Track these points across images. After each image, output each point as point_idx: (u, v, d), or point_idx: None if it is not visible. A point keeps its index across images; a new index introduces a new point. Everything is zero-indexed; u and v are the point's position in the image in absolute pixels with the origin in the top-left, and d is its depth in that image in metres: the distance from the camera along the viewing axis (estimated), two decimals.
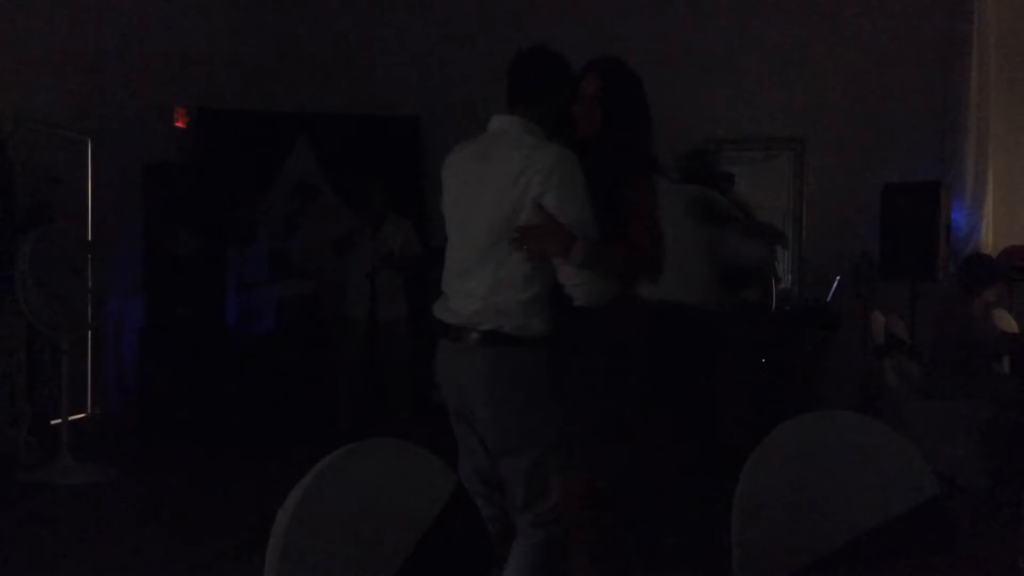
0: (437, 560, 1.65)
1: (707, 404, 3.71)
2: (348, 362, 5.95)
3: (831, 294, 6.73)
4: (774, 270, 4.03)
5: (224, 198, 7.02)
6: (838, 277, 6.75)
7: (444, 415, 2.86)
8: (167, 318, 6.77)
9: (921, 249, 6.01)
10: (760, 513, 1.80)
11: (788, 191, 7.44)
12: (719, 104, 7.32)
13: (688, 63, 7.18)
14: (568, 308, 2.60)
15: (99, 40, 6.57)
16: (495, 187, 2.57)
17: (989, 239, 6.99)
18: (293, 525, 1.48)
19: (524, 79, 2.66)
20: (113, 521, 4.62)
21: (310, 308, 7.34)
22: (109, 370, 6.89)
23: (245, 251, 7.37)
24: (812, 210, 7.37)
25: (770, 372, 3.79)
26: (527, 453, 2.60)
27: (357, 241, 5.84)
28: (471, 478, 2.70)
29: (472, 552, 1.74)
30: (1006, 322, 5.55)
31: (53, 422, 5.66)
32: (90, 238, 6.52)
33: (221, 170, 7.08)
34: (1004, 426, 4.55)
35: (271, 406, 6.67)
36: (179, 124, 7.31)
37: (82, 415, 6.39)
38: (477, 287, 2.60)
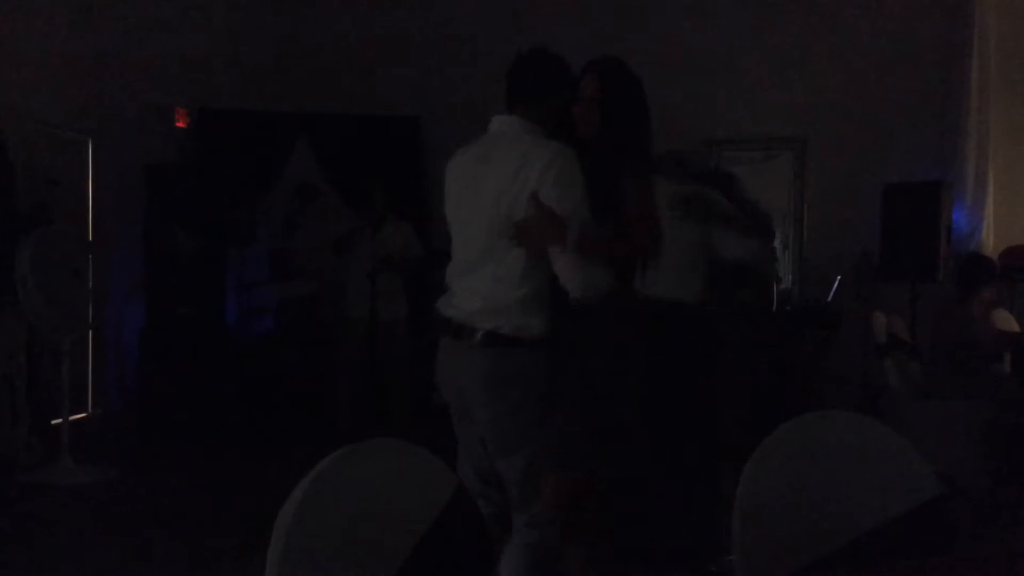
0: (437, 560, 1.65)
1: (706, 404, 3.71)
2: (348, 362, 5.95)
3: (832, 294, 6.73)
4: (774, 270, 4.01)
5: (224, 198, 7.03)
6: (839, 277, 6.74)
7: (444, 415, 2.86)
8: (167, 319, 6.77)
9: (922, 249, 6.01)
10: (760, 513, 1.80)
11: (788, 191, 7.44)
12: (719, 104, 7.32)
13: (688, 63, 7.18)
14: (567, 309, 2.61)
15: (99, 40, 6.58)
16: (495, 185, 2.59)
17: (990, 239, 6.99)
18: (294, 525, 1.48)
19: (523, 81, 2.68)
20: (113, 521, 4.62)
21: (310, 308, 7.34)
22: (109, 370, 6.89)
23: (245, 251, 7.37)
24: (813, 210, 7.37)
25: (770, 372, 3.78)
26: (524, 453, 2.61)
27: (357, 241, 5.85)
28: (471, 477, 2.71)
29: (472, 552, 1.74)
30: (1006, 322, 5.55)
31: (54, 422, 5.66)
32: (90, 239, 6.53)
33: (221, 170, 7.08)
34: (1004, 427, 4.55)
35: (271, 406, 6.67)
36: (179, 124, 7.31)
37: (82, 415, 6.39)
38: (478, 285, 2.63)
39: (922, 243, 6.01)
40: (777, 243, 5.82)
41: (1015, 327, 5.57)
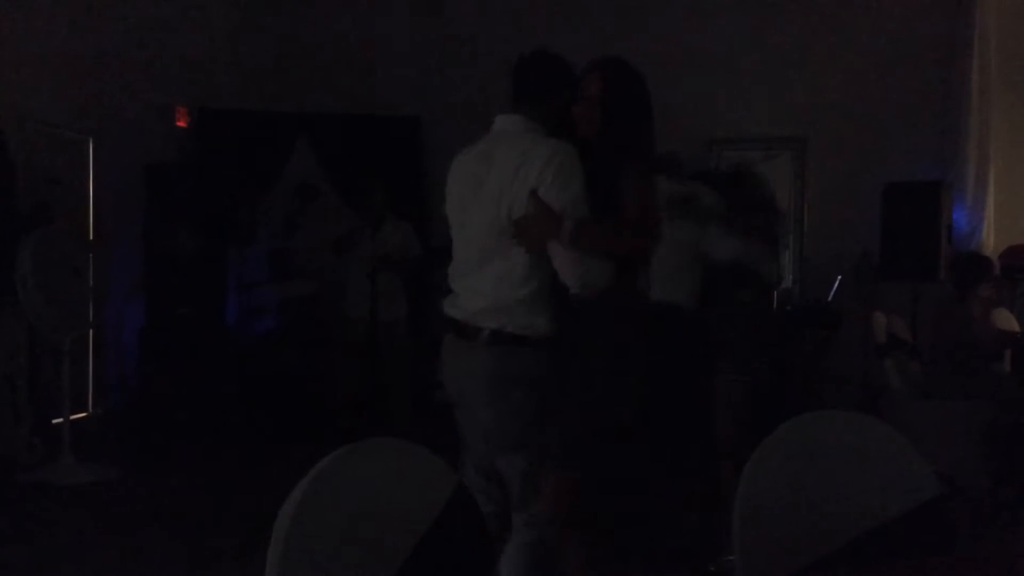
0: (437, 560, 1.65)
1: (705, 405, 3.71)
2: (348, 362, 5.95)
3: (832, 294, 6.73)
4: (774, 271, 3.99)
5: (224, 198, 7.03)
6: (839, 277, 6.75)
7: (444, 415, 2.87)
8: (168, 318, 6.77)
9: (922, 249, 6.01)
10: (760, 513, 1.80)
11: (788, 191, 7.43)
12: (719, 104, 7.33)
13: (688, 63, 7.18)
14: (568, 308, 2.61)
15: (100, 40, 6.58)
16: (496, 184, 2.60)
17: (990, 239, 6.99)
18: (294, 525, 1.48)
19: (526, 81, 2.70)
20: (113, 521, 4.62)
21: (310, 308, 7.34)
22: (110, 370, 6.89)
23: (245, 251, 7.38)
24: (813, 210, 7.37)
25: (770, 372, 3.78)
26: (525, 452, 2.61)
27: (357, 241, 5.85)
28: (472, 475, 2.72)
29: (472, 552, 1.74)
30: (1007, 321, 5.55)
31: (54, 422, 5.67)
32: (91, 238, 6.53)
33: (221, 170, 7.08)
34: (1005, 427, 4.55)
35: (271, 406, 6.67)
36: (180, 124, 7.32)
37: (83, 415, 6.40)
38: (481, 285, 2.64)
39: (922, 243, 6.02)
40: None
41: (1015, 326, 5.57)
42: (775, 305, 5.19)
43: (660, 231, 2.69)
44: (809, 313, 6.76)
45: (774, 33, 7.34)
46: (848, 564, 1.78)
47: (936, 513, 1.82)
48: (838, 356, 6.60)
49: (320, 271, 7.16)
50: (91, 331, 6.22)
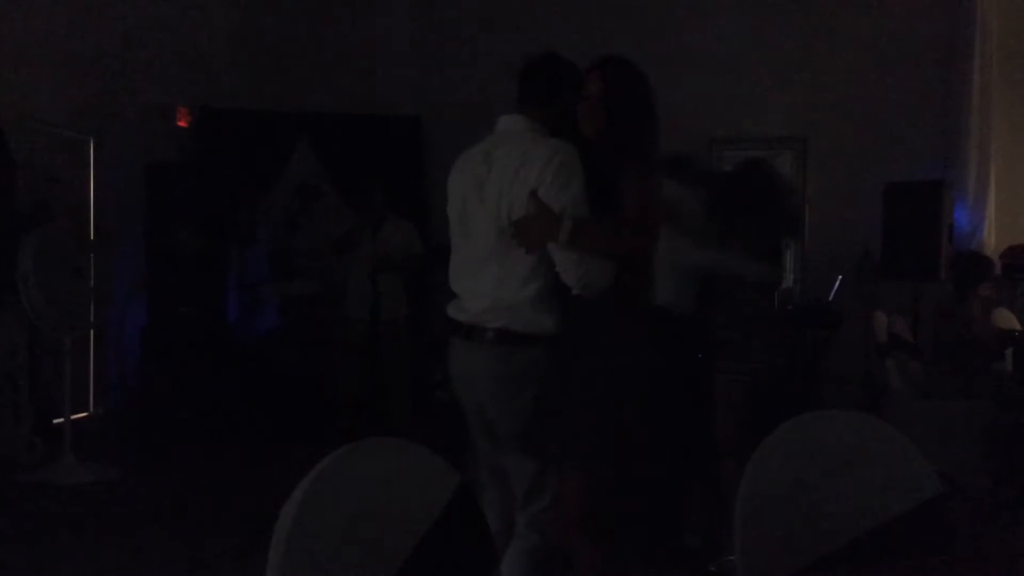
0: (438, 560, 1.65)
1: (705, 406, 3.71)
2: (349, 362, 5.95)
3: (833, 294, 6.72)
4: (775, 272, 3.96)
5: (225, 198, 7.03)
6: (840, 277, 6.73)
7: (444, 415, 2.87)
8: (169, 318, 6.77)
9: (923, 248, 6.00)
10: (761, 513, 1.80)
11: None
12: (719, 104, 7.32)
13: (688, 63, 7.17)
14: (572, 307, 2.61)
15: (100, 40, 6.58)
16: (497, 184, 2.60)
17: (991, 238, 6.99)
18: (295, 525, 1.48)
19: (533, 83, 2.71)
20: (113, 521, 4.62)
21: (311, 308, 7.34)
22: (111, 369, 6.90)
23: (246, 251, 7.38)
24: (814, 210, 7.36)
25: (770, 373, 3.77)
26: (532, 451, 2.62)
27: (357, 241, 5.84)
28: (482, 472, 2.73)
29: (473, 552, 1.74)
30: (1007, 320, 5.55)
31: (55, 421, 5.67)
32: (92, 238, 6.53)
33: (222, 170, 7.08)
34: (1005, 427, 4.55)
35: (271, 406, 6.67)
36: (181, 124, 7.32)
37: (84, 414, 6.40)
38: (484, 285, 2.64)
39: (923, 242, 6.00)
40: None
41: (1016, 326, 5.57)
42: (776, 305, 5.17)
43: (659, 231, 2.69)
44: (810, 313, 6.75)
45: (774, 33, 7.33)
46: (848, 564, 1.78)
47: (936, 513, 1.82)
48: (839, 356, 6.59)
49: (321, 271, 7.16)
50: (92, 331, 6.22)
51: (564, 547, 2.67)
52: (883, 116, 7.13)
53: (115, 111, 6.70)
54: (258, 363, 7.03)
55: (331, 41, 7.79)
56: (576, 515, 2.61)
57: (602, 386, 2.61)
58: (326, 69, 7.69)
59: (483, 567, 1.77)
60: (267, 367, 6.99)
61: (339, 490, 1.56)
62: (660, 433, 3.40)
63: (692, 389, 3.68)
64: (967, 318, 5.02)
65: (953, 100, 7.10)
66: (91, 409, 6.63)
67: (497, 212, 2.59)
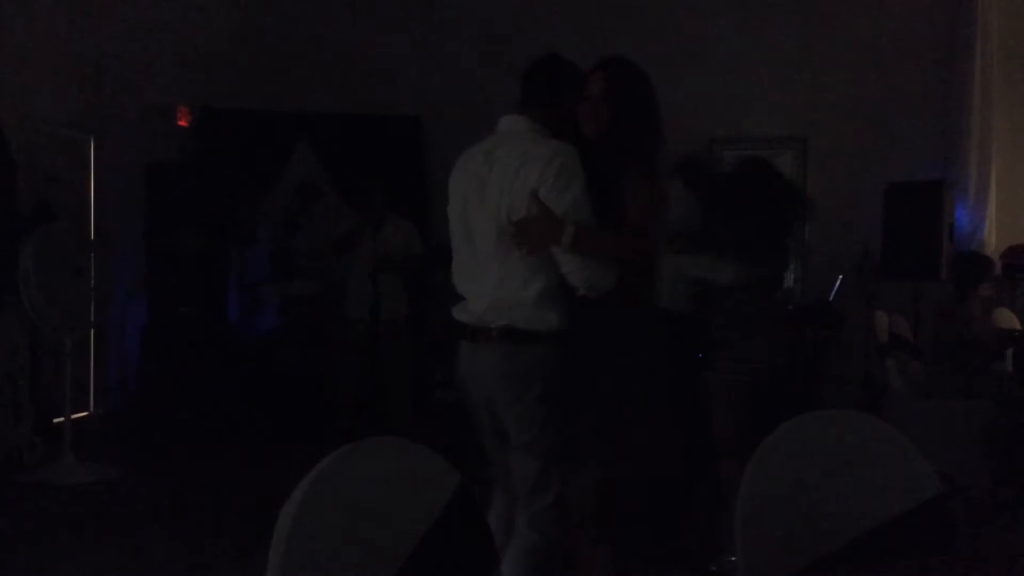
0: (438, 560, 1.65)
1: (704, 406, 3.71)
2: (349, 362, 5.95)
3: (833, 293, 6.72)
4: (775, 268, 3.95)
5: (226, 198, 7.03)
6: (840, 276, 6.73)
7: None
8: (169, 317, 6.78)
9: (924, 248, 5.99)
10: (761, 513, 1.80)
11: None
12: (719, 104, 7.32)
13: (688, 63, 7.17)
14: (579, 305, 2.61)
15: (101, 40, 6.58)
16: (498, 185, 2.60)
17: (992, 238, 6.99)
18: (294, 525, 1.48)
19: (535, 84, 2.72)
20: (113, 521, 4.62)
21: (311, 308, 7.35)
22: (111, 369, 6.90)
23: (246, 251, 7.38)
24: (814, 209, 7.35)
25: (770, 372, 3.76)
26: (540, 447, 2.62)
27: (358, 241, 5.84)
28: (497, 471, 2.75)
29: (473, 552, 1.74)
30: (1007, 320, 5.55)
31: (56, 421, 5.67)
32: (92, 237, 6.54)
33: (223, 170, 7.08)
34: (1005, 427, 4.55)
35: (271, 406, 6.67)
36: (181, 124, 7.32)
37: (84, 414, 6.40)
38: (486, 285, 2.65)
39: (924, 242, 6.00)
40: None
41: (1016, 325, 5.57)
42: (776, 304, 5.16)
43: (655, 232, 2.69)
44: (810, 312, 6.74)
45: (774, 33, 7.33)
46: (848, 564, 1.78)
47: (936, 512, 1.82)
48: (839, 356, 6.59)
49: (321, 271, 7.16)
50: (92, 330, 6.23)
51: (566, 547, 2.67)
52: (883, 116, 7.13)
53: (116, 111, 6.71)
54: (258, 363, 7.04)
55: (331, 41, 7.79)
56: (586, 514, 2.62)
57: (605, 385, 2.61)
58: (326, 69, 7.69)
59: (483, 567, 1.77)
60: (267, 367, 6.99)
61: (339, 490, 1.56)
62: (660, 433, 3.40)
63: (692, 389, 3.68)
64: (967, 318, 5.02)
65: (953, 100, 7.09)
66: (91, 409, 6.63)
67: (497, 212, 2.59)
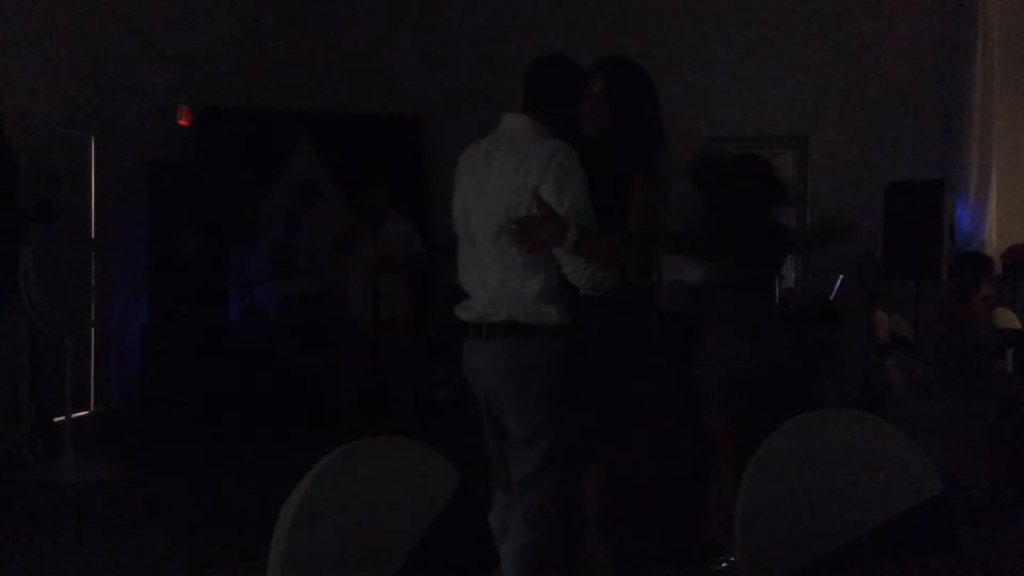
0: (439, 559, 1.65)
1: (704, 407, 3.71)
2: (350, 361, 5.94)
3: (834, 293, 6.72)
4: (765, 272, 3.94)
5: (226, 197, 7.03)
6: (841, 276, 6.73)
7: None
8: (170, 316, 6.78)
9: (925, 248, 5.99)
10: (762, 513, 1.80)
11: (790, 190, 7.41)
12: (720, 104, 7.31)
13: (688, 63, 7.17)
14: (585, 302, 2.62)
15: (102, 39, 6.58)
16: (499, 183, 2.62)
17: (993, 238, 6.99)
18: (294, 525, 1.48)
19: (539, 84, 2.74)
20: (113, 521, 4.62)
21: (312, 307, 7.34)
22: (112, 368, 6.91)
23: (247, 250, 7.37)
24: (815, 209, 7.36)
25: (771, 372, 3.76)
26: (538, 443, 2.62)
27: (358, 240, 5.84)
28: (499, 467, 2.75)
29: (473, 552, 1.74)
30: (1008, 320, 5.54)
31: (56, 420, 5.67)
32: (93, 236, 6.54)
33: (224, 168, 7.08)
34: (1007, 426, 4.54)
35: (272, 405, 6.67)
36: (182, 122, 7.32)
37: (85, 413, 6.40)
38: (488, 281, 2.67)
39: (924, 242, 5.99)
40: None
41: (1017, 325, 5.57)
42: (776, 304, 5.16)
43: (656, 233, 2.69)
44: (811, 312, 6.74)
45: (774, 33, 7.33)
46: (848, 564, 1.78)
47: (937, 512, 1.82)
48: (840, 355, 6.59)
49: (322, 270, 7.16)
50: (93, 329, 6.23)
51: (564, 545, 2.67)
52: (884, 116, 7.13)
53: (116, 110, 6.71)
54: (258, 363, 7.04)
55: (331, 41, 7.79)
56: (598, 506, 2.62)
57: (606, 384, 2.62)
58: (326, 69, 7.68)
59: (483, 567, 1.77)
60: (267, 367, 6.99)
61: (339, 490, 1.56)
62: (659, 432, 3.40)
63: (691, 389, 3.68)
64: (968, 318, 5.01)
65: (954, 100, 7.09)
66: (92, 408, 6.63)
67: (497, 210, 2.60)
